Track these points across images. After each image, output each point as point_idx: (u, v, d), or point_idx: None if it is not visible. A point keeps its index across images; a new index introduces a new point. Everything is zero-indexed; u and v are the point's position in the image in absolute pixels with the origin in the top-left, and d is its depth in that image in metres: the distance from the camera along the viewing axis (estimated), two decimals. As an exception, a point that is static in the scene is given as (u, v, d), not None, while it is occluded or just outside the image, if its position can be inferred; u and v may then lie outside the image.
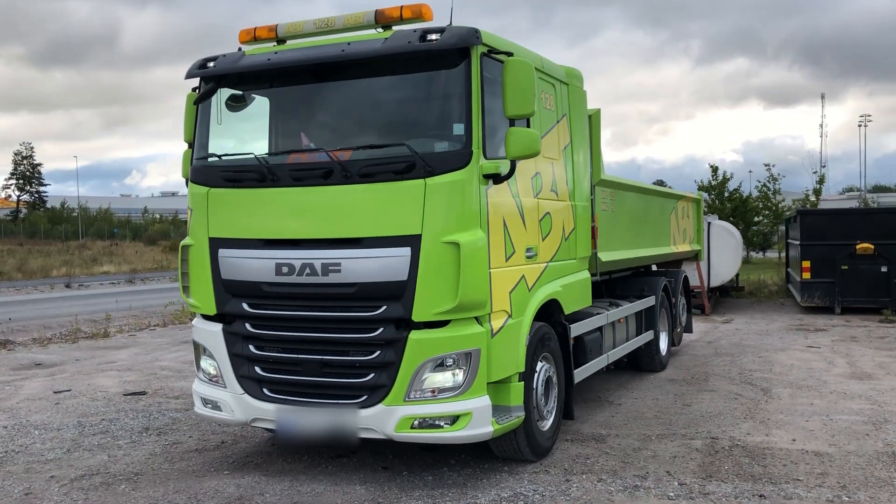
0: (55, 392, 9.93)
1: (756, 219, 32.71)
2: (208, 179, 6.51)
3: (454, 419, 5.79)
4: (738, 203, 29.91)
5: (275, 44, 6.61)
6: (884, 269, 16.96)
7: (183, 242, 6.66)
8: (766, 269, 27.56)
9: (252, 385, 6.29)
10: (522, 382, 6.28)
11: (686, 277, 12.73)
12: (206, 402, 6.61)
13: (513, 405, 6.18)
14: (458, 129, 5.86)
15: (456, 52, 5.81)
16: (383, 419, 5.84)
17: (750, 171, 76.07)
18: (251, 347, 6.30)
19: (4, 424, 8.29)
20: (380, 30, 6.22)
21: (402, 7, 6.08)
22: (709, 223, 17.77)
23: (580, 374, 7.63)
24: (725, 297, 21.50)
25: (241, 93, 6.78)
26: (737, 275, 20.76)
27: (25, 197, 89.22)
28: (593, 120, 8.44)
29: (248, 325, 6.30)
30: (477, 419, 5.80)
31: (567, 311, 7.27)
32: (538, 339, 6.62)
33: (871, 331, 14.77)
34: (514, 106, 5.79)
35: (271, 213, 6.21)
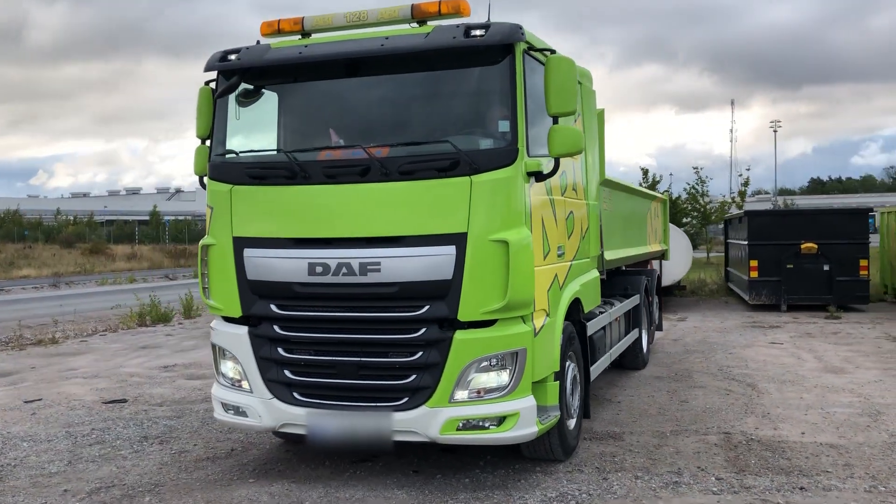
0: (25, 402, 9.37)
1: (685, 220, 33.75)
2: (230, 176, 6.25)
3: (501, 420, 5.71)
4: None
5: (300, 37, 6.40)
6: (826, 267, 17.72)
7: (203, 242, 6.36)
8: (699, 269, 28.32)
9: (281, 389, 6.07)
10: (557, 382, 6.25)
11: (660, 276, 12.97)
12: (227, 407, 6.34)
13: (549, 405, 6.14)
14: (504, 125, 5.78)
15: (500, 48, 5.73)
16: (426, 421, 5.71)
17: (671, 174, 79.54)
18: (280, 350, 6.07)
19: (-15, 437, 7.78)
20: (414, 24, 6.09)
21: (440, 2, 5.96)
22: None
23: (594, 371, 7.67)
24: (669, 295, 22.01)
25: (253, 87, 6.55)
26: None
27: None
28: (599, 119, 8.48)
29: (276, 328, 6.07)
30: (524, 420, 5.74)
31: (586, 310, 7.29)
32: (566, 337, 6.61)
33: (822, 327, 15.35)
34: (557, 103, 5.76)
35: (302, 211, 5.99)
